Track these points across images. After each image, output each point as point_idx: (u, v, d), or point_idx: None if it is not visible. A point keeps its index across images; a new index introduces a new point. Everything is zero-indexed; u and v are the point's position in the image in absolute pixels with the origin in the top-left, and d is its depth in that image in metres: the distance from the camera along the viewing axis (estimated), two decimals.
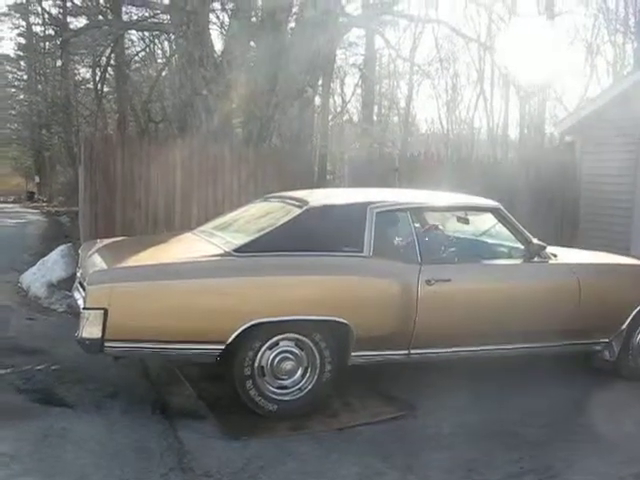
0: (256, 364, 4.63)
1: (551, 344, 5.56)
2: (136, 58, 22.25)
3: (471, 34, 27.39)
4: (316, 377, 4.78)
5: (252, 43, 12.62)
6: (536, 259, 5.55)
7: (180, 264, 4.69)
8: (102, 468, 3.88)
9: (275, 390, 4.73)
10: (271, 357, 4.68)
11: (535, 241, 5.57)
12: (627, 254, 7.48)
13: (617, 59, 28.78)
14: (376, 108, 32.80)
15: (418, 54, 32.36)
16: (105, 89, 21.02)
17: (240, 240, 4.92)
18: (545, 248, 5.61)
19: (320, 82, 25.66)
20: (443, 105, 35.25)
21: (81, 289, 4.98)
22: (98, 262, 4.90)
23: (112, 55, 19.07)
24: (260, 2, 11.91)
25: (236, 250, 4.73)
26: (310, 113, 14.13)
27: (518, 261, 5.58)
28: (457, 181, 8.46)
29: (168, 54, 20.08)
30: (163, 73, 19.99)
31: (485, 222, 5.93)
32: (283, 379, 4.74)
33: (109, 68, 19.57)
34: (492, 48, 23.76)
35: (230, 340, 4.49)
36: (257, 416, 4.69)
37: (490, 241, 6.00)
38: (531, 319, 5.36)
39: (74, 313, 7.23)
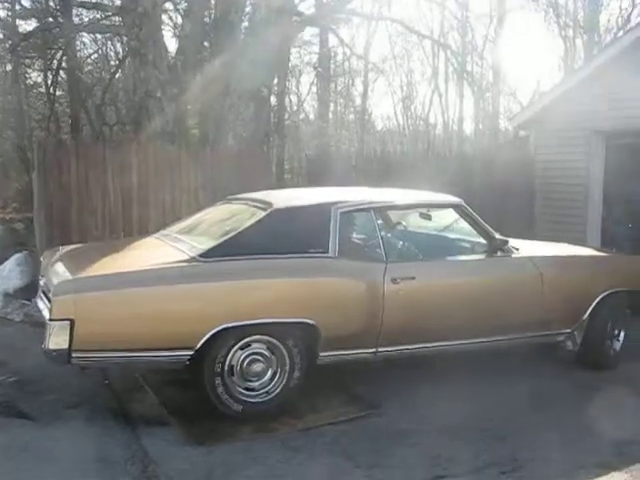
0: (226, 363, 4.63)
1: (516, 336, 5.61)
2: (88, 61, 21.93)
3: (425, 31, 27.62)
4: (284, 381, 4.81)
5: (206, 43, 12.56)
6: (499, 254, 5.60)
7: (146, 271, 4.62)
8: None
9: (242, 391, 4.72)
10: (241, 358, 4.69)
11: (497, 236, 5.63)
12: (584, 245, 7.59)
13: (568, 53, 29.26)
14: (332, 106, 32.85)
15: (372, 51, 32.63)
16: (57, 93, 20.68)
17: (205, 245, 4.88)
18: (507, 242, 5.66)
19: (275, 81, 25.64)
20: (399, 102, 35.54)
21: (45, 299, 4.91)
22: (62, 271, 4.82)
23: (64, 58, 18.76)
24: (213, 2, 11.83)
25: (202, 255, 4.70)
26: (266, 113, 14.09)
27: (481, 256, 5.65)
28: (415, 177, 8.52)
29: (121, 56, 19.83)
30: (116, 75, 19.75)
31: (448, 218, 6.00)
32: (252, 380, 4.75)
33: (61, 71, 19.27)
34: (446, 44, 23.97)
35: (199, 345, 4.47)
36: (221, 421, 4.66)
37: (453, 237, 6.06)
38: (496, 313, 5.43)
39: (31, 322, 7.16)
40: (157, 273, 4.58)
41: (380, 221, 5.45)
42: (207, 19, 12.37)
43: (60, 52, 17.80)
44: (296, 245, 4.90)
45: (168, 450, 4.26)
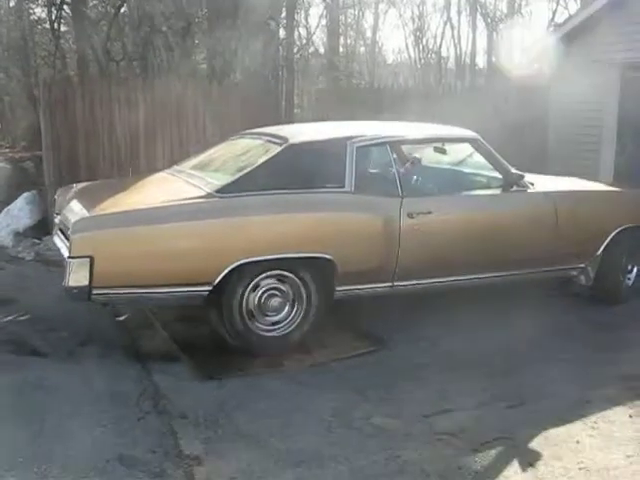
0: (244, 299, 4.68)
1: (530, 271, 5.61)
2: None
3: None
4: (302, 315, 4.87)
5: None
6: (515, 188, 5.58)
7: (164, 207, 4.62)
8: (79, 415, 3.87)
9: (260, 326, 4.79)
10: (258, 293, 4.74)
11: (513, 170, 5.58)
12: (598, 180, 7.50)
13: None
14: (342, 39, 32.30)
15: None
16: (63, 29, 20.38)
17: (221, 180, 4.88)
18: (523, 177, 5.63)
19: (283, 14, 25.16)
20: (410, 34, 34.93)
21: (63, 237, 4.94)
22: (78, 209, 4.83)
23: None
24: None
25: (218, 191, 4.69)
26: (274, 46, 13.83)
27: (497, 191, 5.63)
28: (428, 111, 8.42)
29: None
30: (121, 10, 19.38)
31: (463, 152, 5.95)
32: (270, 315, 4.81)
33: (65, 6, 18.93)
34: None
35: (217, 281, 4.50)
36: (230, 356, 4.72)
37: (469, 171, 6.03)
38: (511, 247, 5.43)
39: (43, 261, 7.20)
40: (175, 209, 4.58)
41: (395, 155, 5.37)
42: None
43: None
44: (312, 180, 4.90)
45: (179, 385, 4.31)
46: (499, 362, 4.78)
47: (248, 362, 4.66)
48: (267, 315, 4.79)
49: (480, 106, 9.45)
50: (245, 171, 4.89)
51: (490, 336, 5.24)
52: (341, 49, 31.56)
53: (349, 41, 34.01)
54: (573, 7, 26.55)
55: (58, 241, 5.10)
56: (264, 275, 4.71)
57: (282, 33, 27.08)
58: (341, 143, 5.05)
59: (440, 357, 4.87)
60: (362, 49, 35.75)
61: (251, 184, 4.75)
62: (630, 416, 3.98)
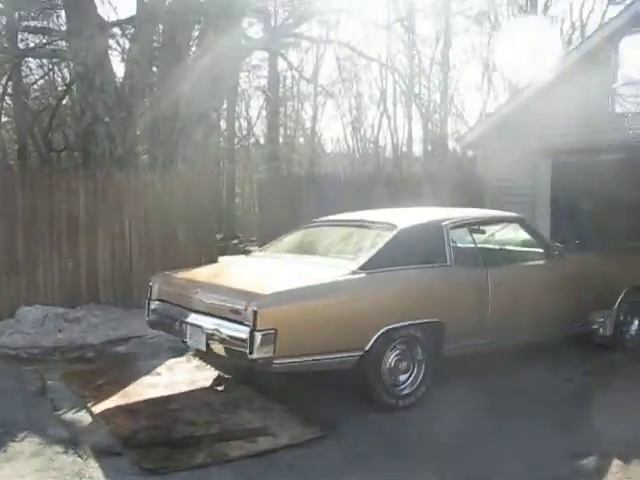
0: (383, 361, 5.38)
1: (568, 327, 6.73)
2: (35, 86, 21.65)
3: (372, 54, 27.96)
4: (423, 373, 5.56)
5: (154, 68, 12.49)
6: (556, 257, 6.62)
7: (327, 284, 5.29)
8: None
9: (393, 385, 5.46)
10: (391, 356, 5.44)
11: (553, 243, 6.77)
12: None
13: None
14: (282, 130, 32.96)
15: (321, 75, 32.71)
16: (3, 119, 20.36)
17: (355, 260, 5.56)
18: (560, 247, 6.78)
19: (225, 106, 25.65)
20: (348, 124, 35.82)
21: (201, 316, 5.43)
22: (242, 287, 5.31)
23: (9, 83, 18.49)
24: (160, 27, 11.78)
25: (361, 268, 5.40)
26: (216, 137, 14.03)
27: (544, 261, 6.62)
28: (367, 197, 8.59)
29: (68, 81, 19.61)
30: (63, 101, 19.51)
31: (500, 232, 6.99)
32: (399, 376, 5.50)
33: (6, 97, 18.98)
34: (393, 67, 24.25)
35: (369, 346, 5.19)
36: (173, 448, 4.58)
37: (516, 246, 6.96)
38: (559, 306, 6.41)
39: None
40: (335, 285, 5.29)
41: (473, 235, 6.30)
42: (155, 43, 12.30)
43: (5, 77, 17.53)
44: (423, 257, 5.77)
45: None
46: (453, 444, 4.74)
47: (192, 454, 4.53)
48: (396, 375, 5.49)
49: (417, 191, 9.70)
50: (373, 251, 5.61)
51: (444, 419, 5.23)
52: (281, 139, 32.16)
53: (289, 132, 34.70)
54: (504, 97, 27.72)
55: (193, 319, 5.50)
56: (398, 340, 5.42)
57: (223, 124, 27.66)
58: (438, 226, 5.97)
59: (390, 442, 4.82)
60: (301, 139, 36.47)
61: (381, 262, 5.50)
62: None
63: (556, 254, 6.64)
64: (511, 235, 6.90)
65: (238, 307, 5.06)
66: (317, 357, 5.06)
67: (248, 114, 32.65)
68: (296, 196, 10.35)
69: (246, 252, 20.07)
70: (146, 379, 6.31)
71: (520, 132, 9.96)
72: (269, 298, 4.98)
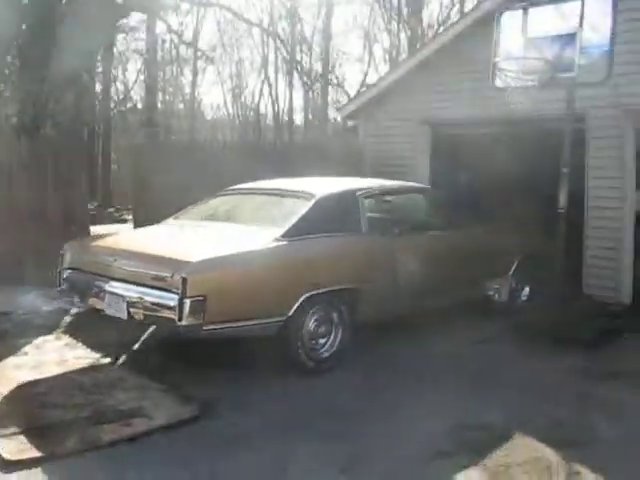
0: (304, 327, 5.48)
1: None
2: None
3: (254, 19, 27.50)
4: (339, 338, 5.73)
5: (23, 26, 11.67)
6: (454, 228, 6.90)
7: (253, 251, 5.35)
8: None
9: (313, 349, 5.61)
10: (312, 321, 5.56)
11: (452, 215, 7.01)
12: None
13: (392, 47, 30.18)
14: (160, 95, 32.05)
15: (201, 40, 31.95)
16: None
17: (279, 227, 5.59)
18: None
19: (100, 69, 24.57)
20: (228, 91, 35.32)
21: (122, 284, 5.29)
22: (167, 253, 5.26)
23: None
24: None
25: (283, 235, 5.49)
26: (90, 100, 13.35)
27: (443, 231, 6.86)
28: (252, 166, 8.39)
29: None
30: None
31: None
32: (318, 340, 5.66)
33: None
34: (275, 33, 23.94)
35: (291, 312, 5.31)
36: (39, 435, 4.24)
37: (423, 217, 7.31)
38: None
39: None
40: (259, 252, 5.37)
41: (383, 204, 6.61)
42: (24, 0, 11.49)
43: None
44: (339, 225, 5.95)
45: None
46: (329, 423, 4.65)
47: (61, 441, 4.19)
48: (316, 340, 5.64)
49: (297, 160, 9.53)
50: (293, 220, 5.68)
51: (324, 395, 5.16)
52: (160, 105, 31.28)
53: (167, 97, 33.84)
54: (384, 69, 28.03)
55: (111, 287, 5.36)
56: (318, 306, 5.57)
57: (99, 87, 26.55)
58: (352, 194, 6.18)
59: (271, 419, 4.69)
60: (181, 105, 35.68)
61: (301, 230, 5.62)
62: None
63: (455, 224, 6.88)
64: (417, 205, 7.25)
65: (164, 274, 5.01)
66: (243, 323, 5.13)
67: (125, 77, 31.58)
68: (175, 164, 9.96)
69: (122, 221, 19.62)
70: (10, 360, 5.81)
71: (401, 103, 9.93)
72: (198, 265, 5.00)
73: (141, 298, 5.12)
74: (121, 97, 30.84)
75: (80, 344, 6.26)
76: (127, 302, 5.19)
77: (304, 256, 5.59)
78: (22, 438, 4.22)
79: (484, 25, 8.10)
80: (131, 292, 5.21)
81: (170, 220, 6.58)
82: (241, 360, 5.68)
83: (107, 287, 5.42)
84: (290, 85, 32.17)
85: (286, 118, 33.50)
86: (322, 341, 5.68)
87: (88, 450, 4.11)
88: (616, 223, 7.81)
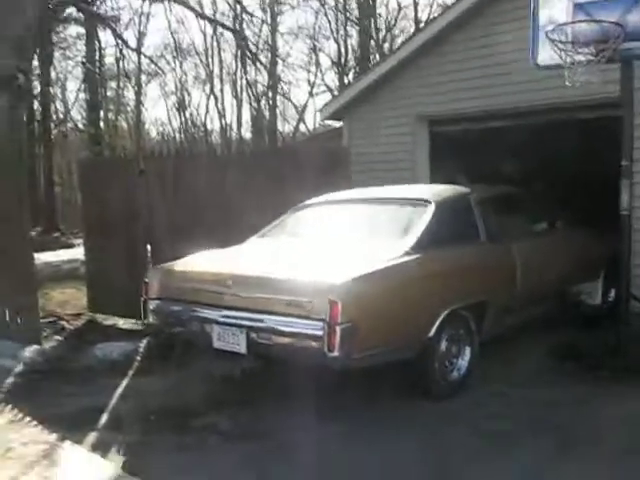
0: (441, 344, 4.91)
1: None
2: None
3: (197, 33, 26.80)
4: (472, 352, 5.17)
5: None
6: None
7: (389, 268, 4.63)
8: None
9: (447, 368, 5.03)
10: (445, 338, 4.95)
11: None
12: None
13: (340, 54, 29.37)
14: (102, 114, 30.82)
15: (147, 51, 30.90)
16: None
17: (400, 239, 4.99)
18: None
19: (37, 90, 23.23)
20: (172, 107, 34.69)
21: (236, 312, 4.65)
22: (299, 277, 4.51)
23: None
24: None
25: (413, 248, 4.85)
26: (27, 111, 11.95)
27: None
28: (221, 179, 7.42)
29: None
30: None
31: None
32: (451, 358, 5.06)
33: None
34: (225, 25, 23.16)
35: (432, 332, 4.74)
36: None
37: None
38: None
39: None
40: (396, 268, 4.66)
41: (492, 208, 5.87)
42: None
43: None
44: (458, 234, 5.38)
45: None
46: None
47: None
48: (449, 358, 5.03)
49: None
50: (419, 230, 5.06)
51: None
52: (102, 124, 30.07)
53: (110, 115, 32.73)
54: (330, 75, 27.34)
55: (224, 317, 4.72)
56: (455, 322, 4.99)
57: (37, 105, 25.14)
58: (466, 198, 5.65)
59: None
60: (124, 123, 34.76)
61: (427, 240, 4.99)
62: None
63: (554, 227, 6.53)
64: (518, 208, 6.47)
65: (302, 299, 4.36)
66: (390, 347, 4.53)
67: (64, 97, 30.37)
68: (126, 181, 8.80)
69: (70, 246, 18.24)
70: None
71: (394, 99, 8.94)
72: (345, 286, 4.31)
73: (272, 328, 4.46)
74: (61, 117, 29.54)
75: (28, 419, 4.56)
76: (247, 334, 4.55)
77: (440, 269, 4.97)
78: None
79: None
80: (255, 322, 4.56)
81: (256, 239, 5.82)
82: (358, 391, 4.88)
83: (218, 317, 4.78)
84: (237, 98, 31.48)
85: (235, 133, 32.88)
86: (454, 361, 5.08)
87: None
88: None
